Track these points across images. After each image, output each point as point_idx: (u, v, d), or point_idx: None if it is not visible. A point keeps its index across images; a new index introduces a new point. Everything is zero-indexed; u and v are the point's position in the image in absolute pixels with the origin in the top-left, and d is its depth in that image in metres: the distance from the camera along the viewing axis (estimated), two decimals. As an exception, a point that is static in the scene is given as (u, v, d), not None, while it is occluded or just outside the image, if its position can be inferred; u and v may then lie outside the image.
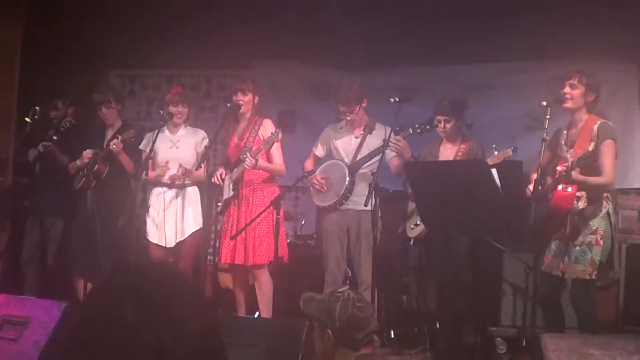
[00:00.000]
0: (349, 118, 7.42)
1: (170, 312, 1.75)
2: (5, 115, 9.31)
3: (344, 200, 7.30)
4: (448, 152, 7.42)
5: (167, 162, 7.50)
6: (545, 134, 6.02)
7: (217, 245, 7.63)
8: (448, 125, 7.33)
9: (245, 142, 7.31)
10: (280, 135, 6.94)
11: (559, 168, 6.01)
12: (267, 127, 7.32)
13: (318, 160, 7.78)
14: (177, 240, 7.46)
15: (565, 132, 6.30)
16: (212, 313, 1.95)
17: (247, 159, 7.01)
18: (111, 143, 7.52)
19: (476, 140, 7.54)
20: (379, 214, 7.12)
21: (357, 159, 7.37)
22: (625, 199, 9.05)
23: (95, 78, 9.51)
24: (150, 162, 7.48)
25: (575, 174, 5.74)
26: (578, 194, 5.94)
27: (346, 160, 7.43)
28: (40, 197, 8.26)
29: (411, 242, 7.92)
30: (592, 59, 8.10)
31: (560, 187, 5.90)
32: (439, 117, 7.32)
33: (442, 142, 7.49)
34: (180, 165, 7.44)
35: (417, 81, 9.79)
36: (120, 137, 7.55)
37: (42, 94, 8.65)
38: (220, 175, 7.40)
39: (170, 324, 1.73)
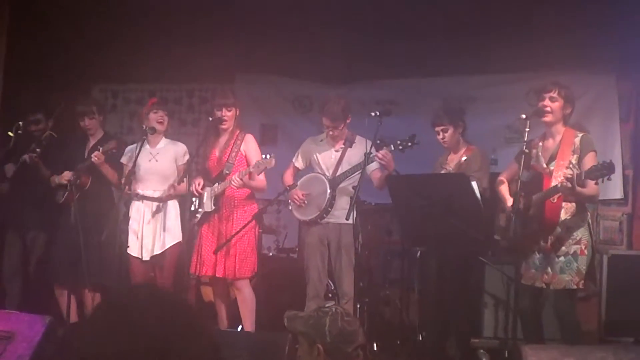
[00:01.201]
0: (331, 133, 7.44)
1: (176, 336, 1.79)
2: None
3: (325, 215, 7.30)
4: (454, 162, 7.40)
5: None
6: (524, 146, 6.06)
7: (196, 256, 7.59)
8: (447, 135, 7.25)
9: (228, 157, 7.32)
10: (273, 162, 6.94)
11: (546, 181, 6.03)
12: (250, 143, 7.36)
13: (297, 172, 7.76)
14: (155, 253, 7.47)
15: (540, 143, 6.34)
16: (212, 332, 1.99)
17: (234, 179, 7.02)
18: (92, 155, 7.50)
19: (479, 147, 7.49)
20: (360, 228, 7.13)
21: (338, 173, 7.37)
22: (606, 210, 9.09)
23: (78, 92, 9.49)
24: (132, 177, 7.48)
25: (579, 187, 5.76)
26: (562, 204, 5.99)
27: (327, 173, 7.43)
28: (21, 210, 8.24)
29: (418, 255, 7.95)
30: (571, 70, 8.19)
31: (551, 198, 5.94)
32: (437, 128, 7.30)
33: (449, 153, 7.47)
34: (170, 185, 7.45)
35: (398, 94, 9.84)
36: (101, 148, 7.54)
37: (26, 107, 8.65)
38: (198, 184, 7.40)
39: (177, 347, 1.77)
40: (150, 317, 1.79)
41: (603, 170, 5.59)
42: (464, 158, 7.28)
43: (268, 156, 6.98)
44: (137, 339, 1.76)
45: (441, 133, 7.29)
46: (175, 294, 1.94)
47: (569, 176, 5.75)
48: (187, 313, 1.90)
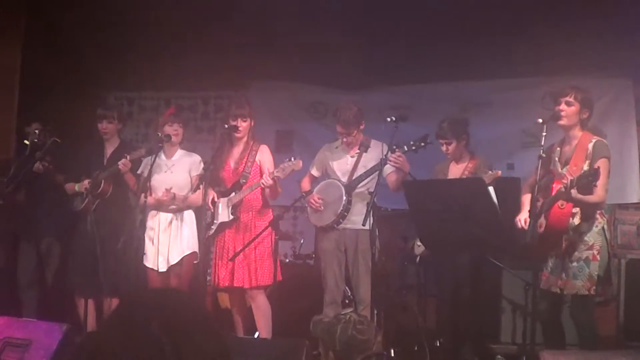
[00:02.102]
0: (345, 140, 7.43)
1: (186, 337, 1.79)
2: (4, 138, 9.36)
3: (341, 220, 7.28)
4: (456, 171, 7.44)
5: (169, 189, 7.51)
6: (541, 151, 6.01)
7: (211, 266, 7.62)
8: (450, 148, 7.36)
9: (244, 167, 7.32)
10: (300, 163, 6.93)
11: (554, 186, 6.01)
12: (264, 153, 7.35)
13: (314, 180, 7.77)
14: (171, 264, 7.47)
15: (558, 148, 6.29)
16: (223, 337, 1.99)
17: (264, 179, 6.96)
18: (120, 162, 7.48)
19: (482, 158, 7.52)
20: (377, 233, 7.10)
21: (354, 177, 7.37)
22: (624, 214, 9.05)
23: (94, 100, 9.52)
24: (148, 185, 7.49)
25: (574, 193, 5.73)
26: (573, 210, 5.95)
27: (342, 179, 7.42)
28: (35, 218, 8.24)
29: (417, 260, 7.94)
30: (587, 74, 8.16)
31: (558, 204, 5.90)
32: (440, 140, 7.34)
33: (451, 161, 7.51)
34: (167, 190, 7.46)
35: (414, 100, 9.84)
36: (128, 156, 7.52)
37: (42, 116, 8.66)
38: (213, 199, 7.41)
39: (188, 349, 1.77)
40: (160, 321, 1.80)
41: (589, 177, 5.58)
42: (470, 164, 7.36)
43: (293, 159, 6.98)
44: (147, 345, 1.76)
45: (445, 146, 7.40)
46: (188, 296, 1.93)
47: (564, 182, 5.75)
48: (197, 314, 1.90)
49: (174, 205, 7.47)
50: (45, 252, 8.24)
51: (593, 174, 5.53)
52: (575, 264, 6.00)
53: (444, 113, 8.05)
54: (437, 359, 7.39)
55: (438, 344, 7.56)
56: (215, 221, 7.38)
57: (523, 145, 9.32)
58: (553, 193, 5.96)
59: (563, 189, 5.78)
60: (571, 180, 5.72)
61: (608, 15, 8.26)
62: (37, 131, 8.16)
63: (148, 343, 1.75)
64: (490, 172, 6.84)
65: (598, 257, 5.99)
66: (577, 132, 6.16)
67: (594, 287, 5.97)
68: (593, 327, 6.15)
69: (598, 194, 5.88)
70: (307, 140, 10.17)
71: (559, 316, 6.33)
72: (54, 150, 8.00)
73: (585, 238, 6.02)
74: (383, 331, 7.57)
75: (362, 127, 7.42)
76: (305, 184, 7.73)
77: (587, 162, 6.00)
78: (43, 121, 8.32)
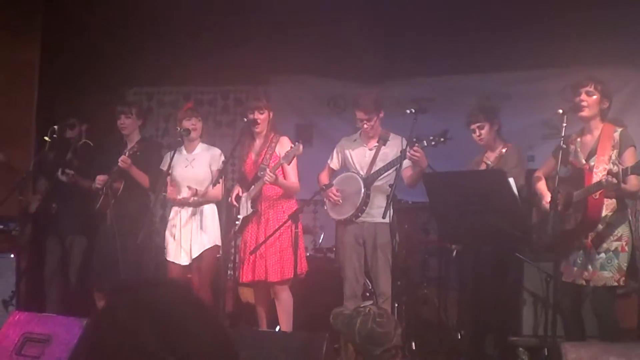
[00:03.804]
0: (365, 126, 7.36)
1: (184, 329, 1.77)
2: (24, 134, 9.39)
3: (359, 214, 7.26)
4: (491, 160, 7.30)
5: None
6: (562, 142, 5.97)
7: (237, 261, 7.64)
8: (483, 132, 7.13)
9: (263, 159, 7.32)
10: (301, 148, 6.93)
11: (587, 176, 5.95)
12: (284, 145, 7.31)
13: (333, 173, 7.75)
14: (193, 257, 7.46)
15: (578, 139, 6.26)
16: (224, 328, 1.97)
17: (266, 174, 7.01)
18: (119, 159, 7.50)
19: (515, 143, 7.39)
20: (397, 226, 7.07)
21: (372, 171, 7.33)
22: (645, 205, 8.99)
23: (113, 96, 9.55)
24: (168, 179, 7.49)
25: (623, 183, 5.67)
26: (604, 200, 5.92)
27: (361, 172, 7.39)
28: (61, 216, 8.29)
29: (454, 254, 7.93)
30: (607, 64, 8.10)
31: (593, 195, 5.86)
32: (472, 126, 7.21)
33: (486, 152, 7.35)
34: (189, 187, 7.46)
35: (433, 92, 9.82)
36: (127, 152, 7.55)
37: (61, 112, 8.68)
38: (237, 194, 7.41)
39: (185, 341, 1.75)
40: (151, 326, 1.78)
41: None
42: (504, 150, 7.19)
43: (295, 144, 6.99)
44: (150, 335, 1.75)
45: (477, 130, 7.17)
46: (184, 288, 1.90)
47: (614, 172, 5.66)
48: (193, 308, 1.88)
49: (195, 199, 7.47)
50: (69, 248, 8.29)
51: None
52: (603, 255, 5.97)
53: (464, 105, 8.01)
54: (458, 352, 7.37)
55: (459, 337, 7.53)
56: (239, 216, 7.40)
57: (544, 137, 9.28)
58: (587, 184, 5.90)
59: (611, 180, 5.65)
60: (624, 169, 5.64)
61: (628, 3, 8.21)
62: (73, 124, 8.24)
63: (138, 351, 1.74)
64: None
65: (626, 248, 5.97)
66: (598, 123, 6.13)
67: (623, 279, 5.95)
68: (614, 319, 6.11)
69: (634, 183, 5.85)
70: (326, 134, 10.17)
71: (579, 309, 6.30)
72: (84, 152, 8.03)
73: (615, 229, 5.98)
74: (404, 324, 7.58)
75: (381, 115, 7.38)
76: (324, 178, 7.71)
77: (615, 151, 5.96)
78: (79, 118, 8.36)
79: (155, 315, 1.77)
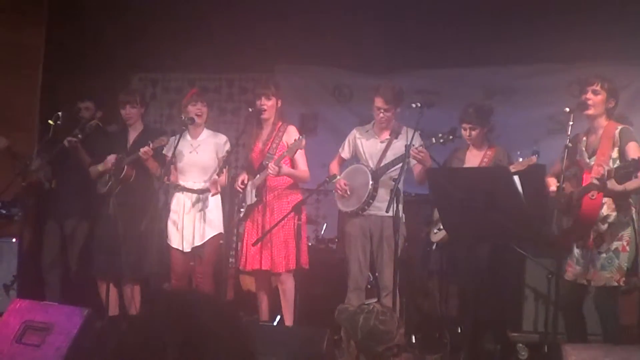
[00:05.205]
0: (381, 116, 7.32)
1: (210, 339, 1.78)
2: (28, 118, 9.38)
3: (366, 207, 7.25)
4: (474, 158, 7.37)
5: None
6: (567, 140, 5.96)
7: (238, 249, 7.64)
8: (473, 133, 7.26)
9: (269, 148, 7.31)
10: (303, 142, 6.92)
11: (585, 176, 5.95)
12: (291, 134, 7.29)
13: (343, 162, 7.72)
14: (195, 245, 7.45)
15: (584, 138, 6.24)
16: (247, 336, 1.99)
17: (270, 166, 7.01)
18: (142, 150, 7.44)
19: (502, 146, 7.48)
20: (403, 220, 7.05)
21: (382, 164, 7.31)
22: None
23: (118, 81, 9.53)
24: (172, 166, 7.47)
25: (611, 184, 5.66)
26: (603, 200, 5.90)
27: (370, 164, 7.37)
28: (61, 198, 8.26)
29: (434, 247, 7.89)
30: (615, 61, 8.08)
31: (589, 195, 5.84)
32: (464, 125, 7.26)
33: (469, 148, 7.43)
34: (213, 183, 7.39)
35: (440, 85, 9.78)
36: (151, 143, 7.46)
37: (65, 96, 8.67)
38: (242, 181, 7.39)
39: (210, 350, 1.76)
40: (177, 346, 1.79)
41: (629, 169, 5.49)
42: (489, 152, 7.32)
43: (299, 137, 6.98)
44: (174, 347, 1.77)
45: (468, 130, 7.30)
46: (210, 303, 1.92)
47: (600, 174, 5.66)
48: (220, 325, 1.89)
49: (203, 187, 7.48)
50: (69, 233, 8.23)
51: (634, 164, 5.44)
52: (604, 255, 5.96)
53: (469, 98, 8.02)
54: (458, 346, 7.37)
55: (459, 331, 7.53)
56: (244, 204, 7.39)
57: (549, 131, 9.25)
58: (584, 184, 5.90)
59: (596, 181, 5.69)
60: (608, 170, 5.64)
61: (635, 1, 8.18)
62: (88, 108, 8.22)
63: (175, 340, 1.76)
64: (520, 159, 6.81)
65: (627, 248, 5.95)
66: (603, 122, 6.12)
67: (623, 279, 5.94)
68: (617, 318, 6.12)
69: (634, 182, 5.80)
70: (331, 123, 10.17)
71: (581, 307, 6.30)
72: (91, 132, 7.99)
73: (615, 229, 5.97)
74: (405, 317, 7.57)
75: (398, 109, 7.37)
76: (334, 167, 7.68)
77: (615, 149, 5.95)
78: (96, 102, 8.32)
79: (185, 331, 1.79)
